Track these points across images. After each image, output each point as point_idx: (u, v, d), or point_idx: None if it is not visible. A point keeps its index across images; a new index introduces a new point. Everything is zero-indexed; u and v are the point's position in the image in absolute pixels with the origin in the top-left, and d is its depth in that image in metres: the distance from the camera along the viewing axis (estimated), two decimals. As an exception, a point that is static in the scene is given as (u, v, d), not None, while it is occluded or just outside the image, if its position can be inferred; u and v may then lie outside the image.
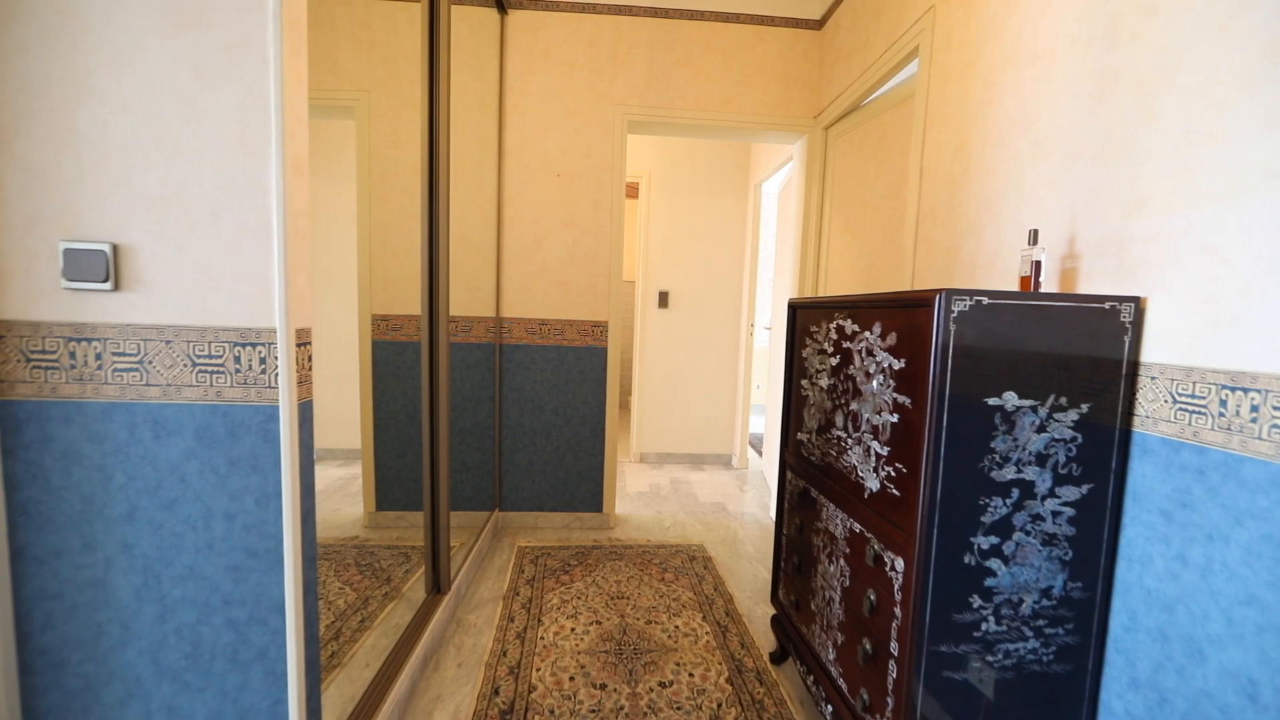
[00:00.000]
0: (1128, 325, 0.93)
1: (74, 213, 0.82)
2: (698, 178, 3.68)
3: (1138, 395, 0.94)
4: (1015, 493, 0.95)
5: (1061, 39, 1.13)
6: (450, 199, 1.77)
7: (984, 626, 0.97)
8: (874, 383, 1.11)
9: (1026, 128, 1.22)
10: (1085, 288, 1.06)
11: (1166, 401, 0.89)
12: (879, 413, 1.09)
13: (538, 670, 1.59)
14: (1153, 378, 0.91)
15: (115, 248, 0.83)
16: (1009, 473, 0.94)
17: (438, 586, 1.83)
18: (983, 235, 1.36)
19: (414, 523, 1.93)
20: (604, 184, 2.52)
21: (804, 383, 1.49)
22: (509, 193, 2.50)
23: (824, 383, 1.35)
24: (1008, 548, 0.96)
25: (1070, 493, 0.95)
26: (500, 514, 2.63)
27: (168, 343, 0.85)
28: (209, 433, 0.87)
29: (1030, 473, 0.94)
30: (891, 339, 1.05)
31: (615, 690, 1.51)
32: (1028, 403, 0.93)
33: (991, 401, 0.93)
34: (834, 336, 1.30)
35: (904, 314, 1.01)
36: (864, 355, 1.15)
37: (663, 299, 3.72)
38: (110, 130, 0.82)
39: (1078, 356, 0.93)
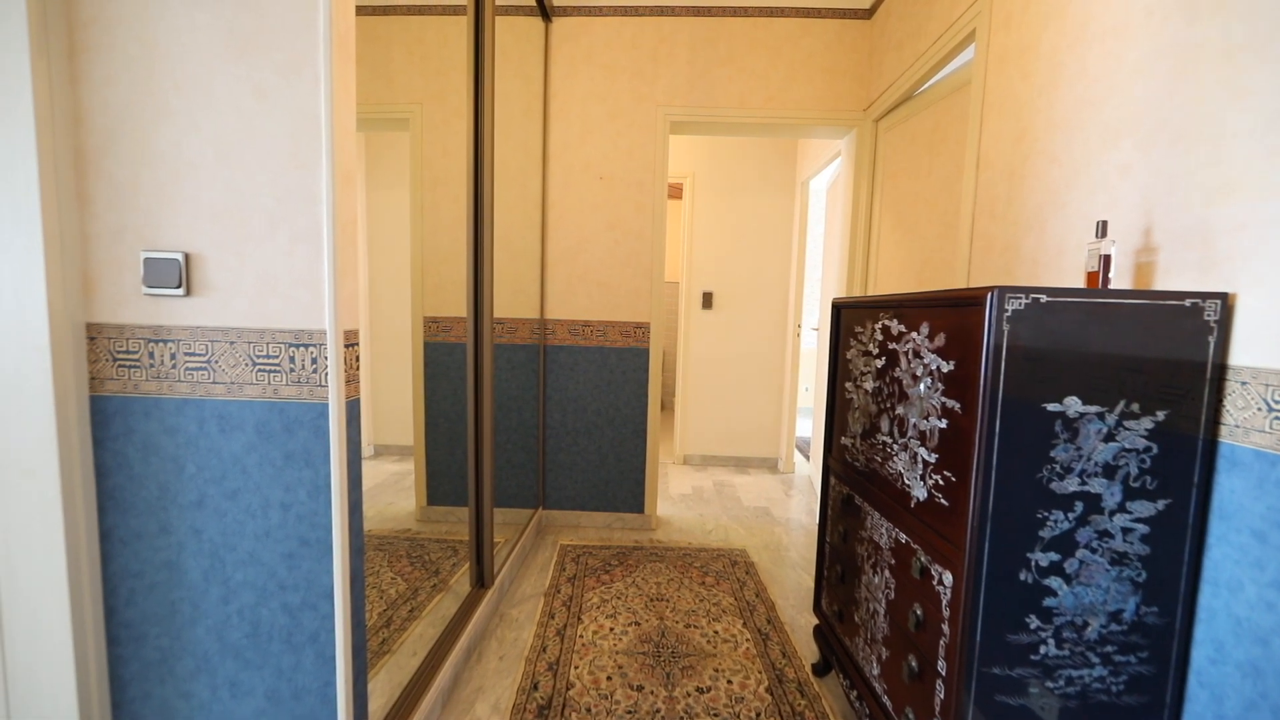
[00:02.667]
0: (1212, 324, 0.84)
1: (152, 225, 0.90)
2: (743, 176, 3.63)
3: (1225, 402, 0.84)
4: (1079, 506, 0.87)
5: (1135, 13, 1.04)
6: (494, 204, 1.83)
7: (1043, 650, 0.90)
8: (921, 386, 1.05)
9: (1095, 111, 1.13)
10: (1163, 283, 0.97)
11: (1260, 409, 0.79)
12: (926, 417, 1.03)
13: (576, 668, 1.61)
14: (1243, 383, 0.82)
15: (186, 256, 0.90)
16: (1071, 484, 0.87)
17: (481, 581, 1.88)
18: (1046, 229, 1.26)
19: (462, 518, 2.00)
20: (646, 185, 2.52)
21: (848, 385, 1.44)
22: (553, 196, 2.55)
23: (869, 385, 1.30)
24: (1070, 565, 0.88)
25: (1144, 508, 0.87)
26: (544, 512, 2.68)
27: (231, 344, 0.92)
28: (267, 428, 0.93)
29: (1096, 485, 0.87)
30: (940, 340, 0.99)
31: (652, 693, 1.51)
32: (1093, 409, 0.85)
33: (1051, 407, 0.86)
34: (879, 337, 1.25)
35: (953, 314, 0.95)
36: (911, 357, 1.10)
37: (707, 300, 3.69)
38: (182, 149, 0.89)
39: (1153, 359, 0.85)
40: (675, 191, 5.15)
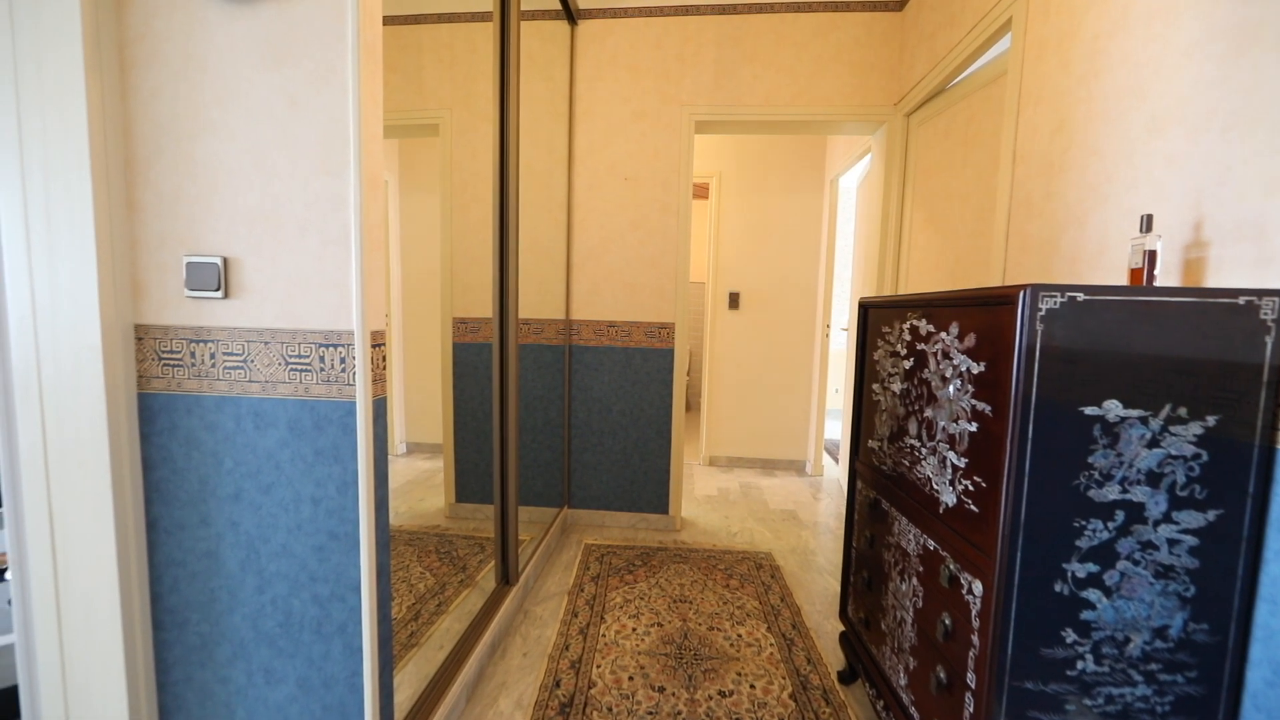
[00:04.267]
0: (1270, 323, 0.79)
1: (194, 230, 0.95)
2: (770, 175, 3.58)
3: (1284, 407, 0.79)
4: (1120, 515, 0.83)
5: (1185, -6, 0.98)
6: (519, 206, 1.85)
7: (1080, 665, 0.86)
8: (950, 388, 1.02)
9: (1139, 100, 1.07)
10: (1214, 280, 0.91)
11: (1323, 415, 0.74)
12: (956, 420, 1.00)
13: (598, 667, 1.62)
14: (1304, 386, 0.76)
15: (224, 260, 0.95)
16: (1111, 492, 0.83)
17: (506, 578, 1.91)
18: (1086, 224, 1.21)
19: (489, 515, 2.03)
20: (671, 185, 2.52)
21: (875, 387, 1.40)
22: (578, 197, 2.57)
23: (896, 387, 1.26)
24: (1110, 578, 0.84)
25: (1192, 519, 0.82)
26: (569, 511, 2.70)
27: (265, 344, 0.96)
28: (299, 425, 0.97)
29: (1139, 493, 0.82)
30: (970, 340, 0.96)
31: (674, 694, 1.50)
32: (1135, 413, 0.81)
33: (1089, 411, 0.82)
34: (907, 338, 1.21)
35: (983, 313, 0.92)
36: (939, 358, 1.06)
37: (733, 300, 3.65)
38: (221, 158, 0.93)
39: (1203, 360, 0.80)
40: (701, 191, 5.12)
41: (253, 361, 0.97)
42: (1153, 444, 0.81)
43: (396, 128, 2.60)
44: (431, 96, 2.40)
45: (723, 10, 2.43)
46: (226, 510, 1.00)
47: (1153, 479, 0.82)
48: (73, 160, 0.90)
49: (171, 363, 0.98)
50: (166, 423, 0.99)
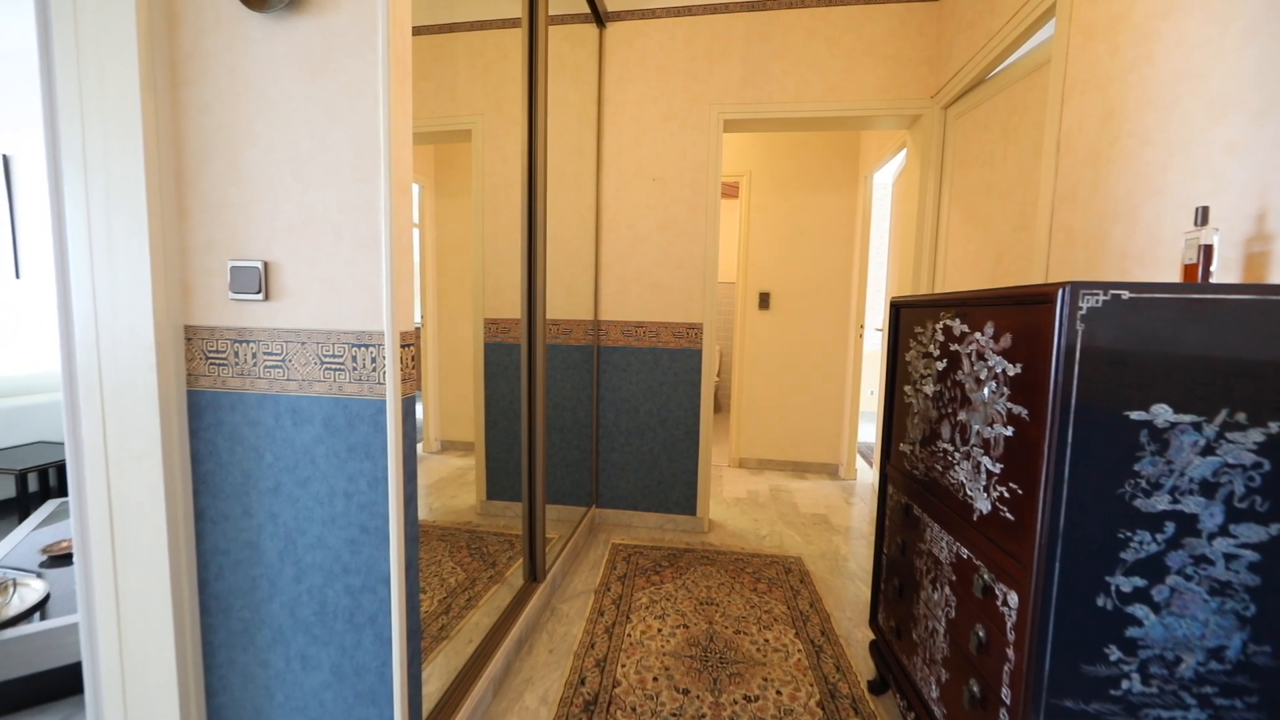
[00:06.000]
0: (1342, 323, 0.72)
1: (238, 237, 1.00)
2: (801, 172, 3.52)
3: (1358, 413, 0.73)
4: (1170, 527, 0.78)
5: (1247, -30, 0.92)
6: (547, 208, 1.87)
7: (1125, 685, 0.81)
8: (985, 390, 0.98)
9: (1196, 84, 1.00)
10: (1280, 276, 0.84)
11: (1404, 422, 0.68)
12: (990, 424, 0.96)
13: (623, 666, 1.62)
14: (1382, 391, 0.70)
15: (265, 264, 0.99)
16: (1160, 502, 0.78)
17: (534, 575, 1.94)
18: (1137, 218, 1.14)
19: (518, 513, 2.06)
20: (699, 185, 2.50)
21: (907, 389, 1.36)
22: (606, 199, 2.59)
23: (928, 389, 1.22)
24: (1159, 593, 0.79)
25: (1253, 532, 0.76)
26: (597, 510, 2.72)
27: (302, 344, 1.00)
28: (333, 422, 1.01)
29: (1191, 504, 0.77)
30: (1005, 341, 0.92)
31: (698, 697, 1.49)
32: (1187, 418, 0.76)
33: (1135, 416, 0.77)
34: (940, 338, 1.17)
35: (1019, 312, 0.88)
36: (973, 359, 1.02)
37: (764, 300, 3.60)
38: (262, 167, 0.98)
39: (1265, 362, 0.74)
40: (731, 191, 5.08)
41: (290, 361, 1.01)
42: (1207, 451, 0.76)
43: (432, 134, 2.68)
44: (465, 103, 2.46)
45: (752, 7, 2.41)
46: (267, 502, 1.05)
47: (1207, 489, 0.77)
48: (130, 171, 0.96)
49: (217, 361, 1.04)
50: (213, 418, 1.05)
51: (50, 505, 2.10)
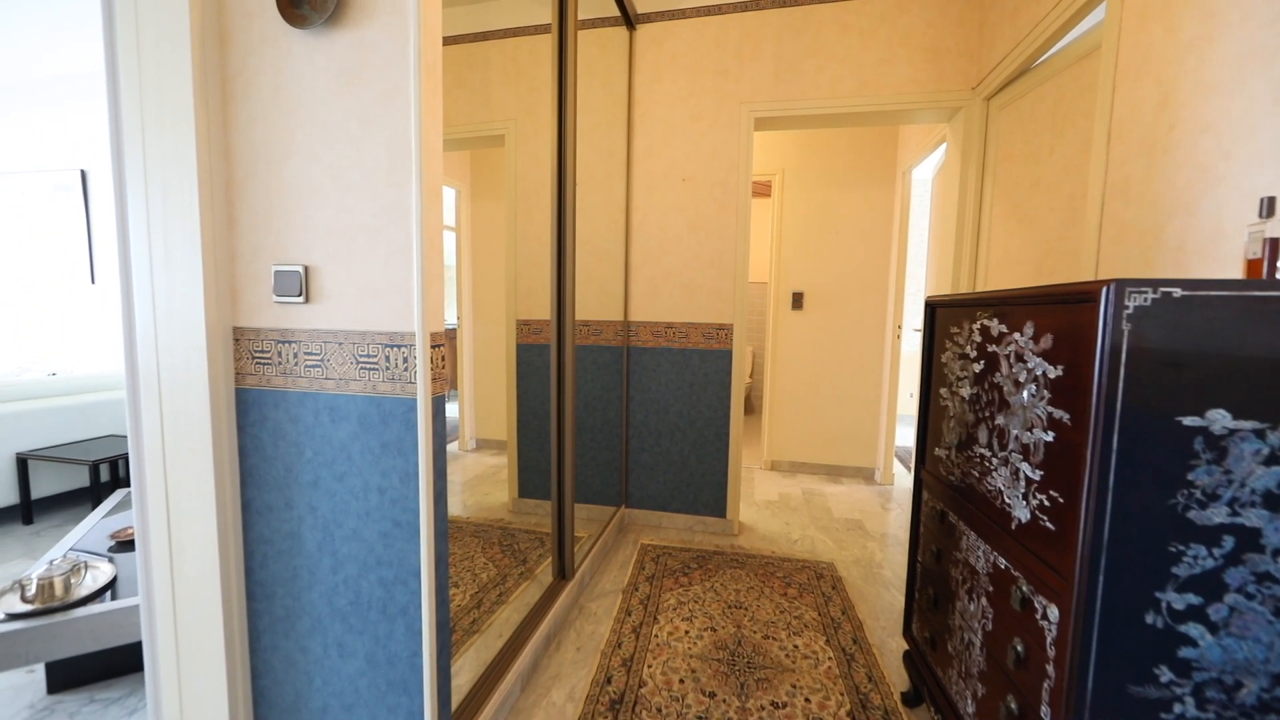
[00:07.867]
0: None
1: (281, 242, 1.05)
2: (836, 170, 3.44)
3: None
4: (1228, 542, 0.73)
5: (1322, -60, 0.85)
6: (576, 209, 1.89)
7: (1177, 708, 0.76)
8: (1024, 393, 0.94)
9: (1263, 65, 0.93)
10: (1359, 271, 0.78)
11: None
12: (1030, 429, 0.92)
13: (649, 667, 1.62)
14: None
15: (306, 268, 1.04)
16: (1218, 515, 0.73)
17: (563, 573, 1.96)
18: (1196, 210, 1.07)
19: (549, 511, 2.09)
20: (729, 185, 2.48)
21: (942, 391, 1.31)
22: (636, 200, 2.60)
23: (965, 392, 1.18)
24: (1216, 612, 0.74)
25: (1325, 549, 0.70)
26: (626, 510, 2.73)
27: (339, 344, 1.05)
28: (367, 419, 1.05)
29: (1253, 517, 0.72)
30: (1046, 342, 0.88)
31: (724, 701, 1.48)
32: (1248, 425, 0.71)
33: (1189, 422, 0.72)
34: (977, 339, 1.12)
35: (1061, 311, 0.84)
36: (1012, 361, 0.98)
37: (797, 300, 3.54)
38: (304, 176, 1.03)
39: (1339, 365, 0.69)
40: (763, 190, 5.01)
41: (328, 360, 1.06)
42: (1270, 461, 0.70)
43: (467, 140, 2.75)
44: (498, 109, 2.51)
45: (784, 3, 2.37)
46: (306, 495, 1.10)
47: (1271, 501, 0.71)
48: (185, 183, 1.02)
49: (262, 361, 1.09)
50: (258, 415, 1.11)
51: (119, 494, 2.26)
